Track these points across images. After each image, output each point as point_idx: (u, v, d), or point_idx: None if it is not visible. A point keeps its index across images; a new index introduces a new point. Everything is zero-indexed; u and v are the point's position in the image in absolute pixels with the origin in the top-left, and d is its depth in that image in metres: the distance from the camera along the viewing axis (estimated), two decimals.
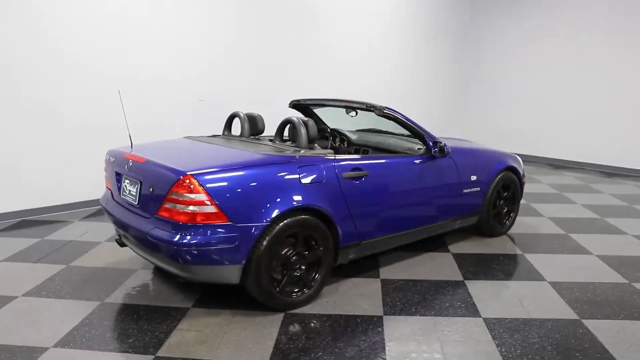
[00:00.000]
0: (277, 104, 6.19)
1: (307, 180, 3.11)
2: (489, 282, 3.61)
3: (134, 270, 3.70)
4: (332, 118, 4.85)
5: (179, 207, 2.77)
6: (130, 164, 3.20)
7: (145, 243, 2.95)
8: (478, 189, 4.33)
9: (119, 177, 3.35)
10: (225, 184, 2.83)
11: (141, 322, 2.94)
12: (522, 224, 5.07)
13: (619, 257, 4.13)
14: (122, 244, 3.40)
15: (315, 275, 3.23)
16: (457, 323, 2.99)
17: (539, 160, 8.95)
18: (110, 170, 3.48)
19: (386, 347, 2.70)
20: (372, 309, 3.16)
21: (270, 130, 4.67)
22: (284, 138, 3.85)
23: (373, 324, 2.97)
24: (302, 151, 3.28)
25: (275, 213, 2.92)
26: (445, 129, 9.43)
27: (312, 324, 2.96)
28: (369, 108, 3.88)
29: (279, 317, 3.03)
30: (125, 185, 3.24)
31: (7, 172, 4.79)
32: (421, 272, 3.76)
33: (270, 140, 3.75)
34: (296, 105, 4.65)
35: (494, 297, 3.35)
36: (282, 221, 2.97)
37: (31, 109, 4.82)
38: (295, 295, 3.14)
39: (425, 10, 8.64)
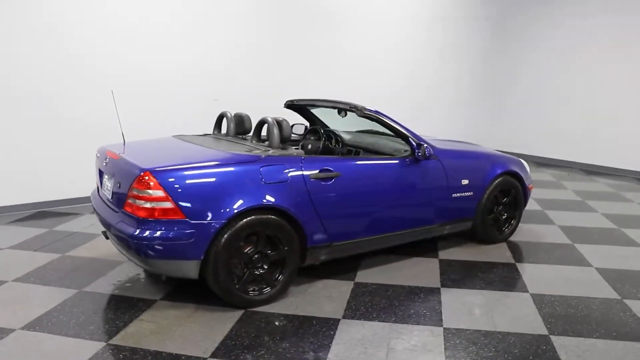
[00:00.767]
0: None
1: (270, 180, 3.13)
2: (466, 290, 3.48)
3: (120, 262, 3.88)
4: (334, 119, 4.84)
5: (139, 202, 2.88)
6: (108, 160, 3.36)
7: (116, 237, 3.10)
8: (470, 193, 4.18)
9: (101, 172, 3.53)
10: (183, 181, 2.91)
11: (107, 310, 3.09)
12: (527, 231, 4.84)
13: (620, 271, 3.85)
14: (107, 237, 3.58)
15: (279, 274, 3.26)
16: (414, 331, 2.91)
17: (571, 165, 8.46)
18: (96, 166, 3.68)
19: (330, 351, 2.68)
20: (333, 311, 3.14)
21: None
22: (262, 137, 3.90)
23: (328, 326, 2.95)
24: (270, 151, 3.31)
25: (233, 211, 2.97)
26: (470, 131, 9.14)
27: (266, 323, 2.98)
28: (351, 108, 3.85)
29: (237, 314, 3.08)
30: (105, 181, 3.41)
31: (27, 166, 5.15)
32: (399, 277, 3.69)
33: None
34: (290, 105, 4.69)
35: (464, 307, 3.23)
36: (242, 219, 3.02)
37: (50, 112, 5.15)
38: (256, 293, 3.18)
39: (451, 4, 8.40)
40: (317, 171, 3.33)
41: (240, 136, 4.09)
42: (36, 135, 5.14)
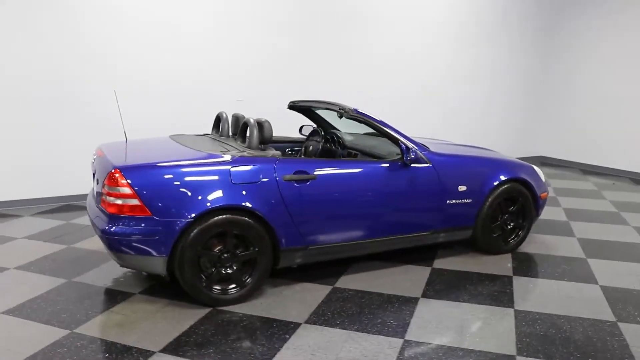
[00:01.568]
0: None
1: (239, 180, 3.15)
2: (447, 302, 3.31)
3: None
4: (342, 120, 4.79)
5: (109, 199, 3.01)
6: (96, 157, 3.54)
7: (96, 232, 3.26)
8: (469, 200, 3.97)
9: (94, 170, 3.72)
10: (150, 179, 3.00)
11: (85, 300, 3.25)
12: (540, 242, 4.52)
13: (627, 291, 3.50)
14: None
15: (249, 275, 3.27)
16: (372, 341, 2.81)
17: (620, 174, 7.78)
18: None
19: (276, 356, 2.65)
20: (298, 315, 3.11)
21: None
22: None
23: (286, 330, 2.92)
24: (245, 152, 3.34)
25: (198, 210, 3.02)
26: (511, 135, 8.68)
27: (227, 323, 3.00)
28: (340, 110, 3.79)
29: (203, 312, 3.12)
30: (94, 177, 3.60)
31: (57, 161, 5.52)
32: (381, 284, 3.58)
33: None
34: (292, 106, 4.69)
35: (437, 319, 3.07)
36: (209, 219, 3.06)
37: (82, 113, 5.50)
38: (224, 292, 3.21)
39: (499, 6, 8.03)
40: (291, 173, 3.32)
41: (235, 136, 4.15)
42: (67, 134, 5.49)
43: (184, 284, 3.11)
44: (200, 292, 3.14)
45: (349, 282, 3.63)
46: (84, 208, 5.44)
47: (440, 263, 4.02)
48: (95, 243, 4.33)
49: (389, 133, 3.77)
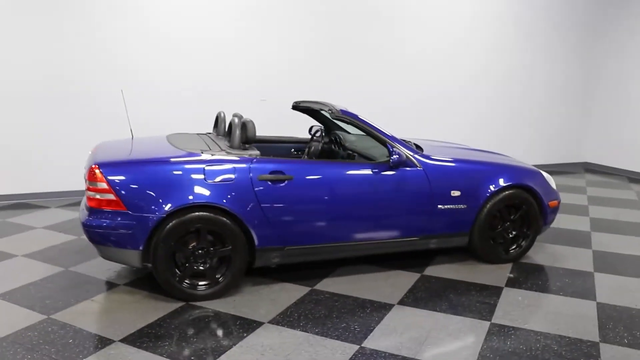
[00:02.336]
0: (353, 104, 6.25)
1: (212, 178, 3.21)
2: (421, 311, 3.19)
3: None
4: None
5: (89, 193, 3.17)
6: (89, 154, 3.74)
7: None
8: (463, 206, 3.80)
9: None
10: (127, 175, 3.13)
11: (71, 289, 3.43)
12: (549, 253, 4.25)
13: (624, 309, 3.21)
14: None
15: (223, 272, 3.32)
16: (328, 345, 2.77)
17: None
18: None
19: (227, 353, 2.68)
20: (266, 315, 3.12)
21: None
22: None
23: (246, 329, 2.94)
24: (224, 151, 3.39)
25: (171, 207, 3.11)
26: (555, 140, 8.18)
27: (194, 318, 3.07)
28: (329, 110, 3.76)
29: (175, 306, 3.21)
30: None
31: (84, 156, 5.88)
32: (361, 289, 3.51)
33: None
34: (295, 107, 4.70)
35: (403, 328, 2.97)
36: (182, 215, 3.15)
37: (105, 114, 5.83)
38: (197, 288, 3.27)
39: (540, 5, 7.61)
40: (266, 173, 3.33)
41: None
42: (97, 131, 5.83)
43: (157, 278, 3.21)
44: (173, 286, 3.23)
45: (330, 284, 3.59)
46: None
47: (432, 270, 3.88)
48: None
49: (376, 134, 3.69)
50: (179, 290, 3.25)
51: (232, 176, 3.26)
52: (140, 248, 3.15)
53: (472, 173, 3.87)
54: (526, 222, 4.03)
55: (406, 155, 3.67)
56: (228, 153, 3.38)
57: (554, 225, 5.01)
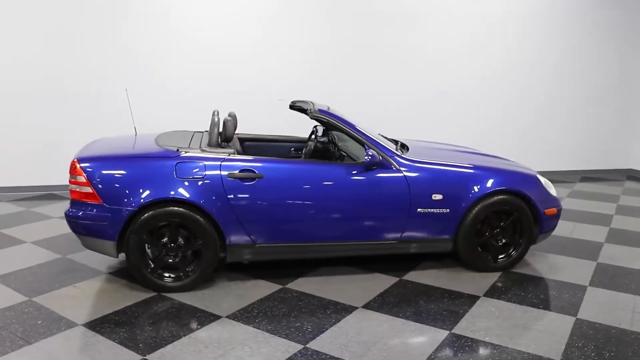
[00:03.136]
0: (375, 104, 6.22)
1: (183, 175, 3.32)
2: (383, 316, 3.13)
3: None
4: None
5: (71, 186, 3.38)
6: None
7: None
8: (445, 210, 3.67)
9: None
10: (102, 170, 3.31)
11: (60, 275, 3.67)
12: (547, 263, 4.02)
13: (605, 328, 2.96)
14: None
15: (194, 266, 3.42)
16: (273, 343, 2.79)
17: None
18: None
19: (173, 343, 2.77)
20: (227, 309, 3.18)
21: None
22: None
23: (202, 321, 3.02)
24: (199, 149, 3.49)
25: (142, 201, 3.25)
26: (598, 144, 7.66)
27: (157, 308, 3.19)
28: (308, 110, 3.76)
29: (146, 296, 3.35)
30: None
31: None
32: (331, 290, 3.49)
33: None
34: (292, 107, 4.72)
35: (355, 332, 2.93)
36: (153, 209, 3.28)
37: (127, 112, 6.16)
38: (167, 279, 3.39)
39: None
40: (236, 171, 3.39)
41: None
42: (122, 127, 6.18)
43: (130, 268, 3.37)
44: (144, 276, 3.37)
45: (303, 284, 3.59)
46: None
47: (413, 275, 3.78)
48: None
49: (353, 135, 3.66)
50: (150, 281, 3.39)
51: (203, 173, 3.35)
52: (115, 239, 3.32)
53: (456, 176, 3.72)
54: (518, 230, 3.83)
55: (382, 156, 3.60)
56: (203, 150, 3.48)
57: (564, 234, 4.72)
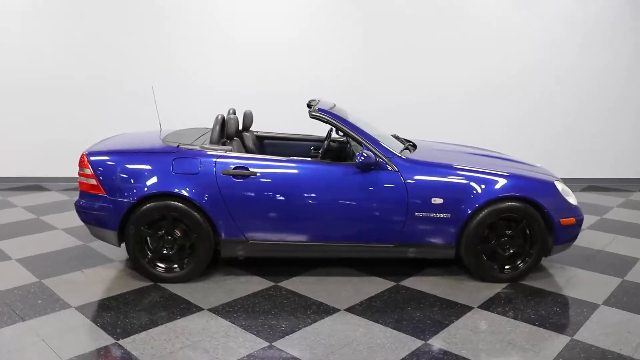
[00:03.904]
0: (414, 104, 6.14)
1: (179, 170, 3.44)
2: (364, 320, 3.05)
3: None
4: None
5: (80, 178, 3.62)
6: None
7: None
8: (446, 215, 3.50)
9: None
10: (107, 164, 3.52)
11: (74, 261, 3.92)
12: (564, 277, 3.73)
13: (602, 352, 2.68)
14: None
15: (189, 259, 3.52)
16: (241, 338, 2.81)
17: None
18: None
19: (147, 330, 2.88)
20: (211, 302, 3.26)
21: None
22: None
23: (184, 313, 3.11)
24: (194, 145, 3.59)
25: (140, 194, 3.41)
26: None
27: (148, 296, 3.33)
28: (310, 109, 3.74)
29: (143, 284, 3.50)
30: None
31: None
32: (321, 291, 3.46)
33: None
34: (308, 104, 4.72)
35: (327, 335, 2.88)
36: (150, 202, 3.43)
37: (167, 111, 6.47)
38: (163, 270, 3.52)
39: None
40: (230, 168, 3.45)
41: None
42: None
43: (129, 257, 3.55)
44: (142, 266, 3.53)
45: (295, 283, 3.59)
46: None
47: (412, 280, 3.64)
48: None
49: (352, 135, 3.60)
50: (146, 271, 3.54)
51: (198, 169, 3.45)
52: (117, 229, 3.50)
53: (460, 180, 3.53)
54: (530, 239, 3.57)
55: (380, 157, 3.50)
56: (202, 148, 3.58)
57: (597, 246, 4.35)
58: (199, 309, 3.17)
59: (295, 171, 3.52)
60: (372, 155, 3.45)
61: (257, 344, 2.76)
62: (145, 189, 3.42)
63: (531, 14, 6.51)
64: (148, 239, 3.53)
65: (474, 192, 3.50)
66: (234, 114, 4.52)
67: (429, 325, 2.99)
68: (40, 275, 3.64)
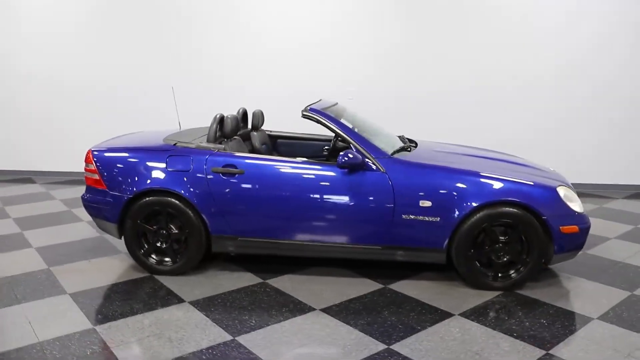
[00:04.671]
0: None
1: (173, 167, 3.58)
2: (335, 321, 3.03)
3: None
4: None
5: (86, 173, 3.86)
6: None
7: None
8: (435, 219, 3.38)
9: None
10: (108, 160, 3.74)
11: (86, 251, 4.19)
12: (567, 287, 3.50)
13: None
14: None
15: (180, 253, 3.66)
16: (206, 331, 2.89)
17: None
18: None
19: (126, 318, 3.02)
20: (196, 295, 3.37)
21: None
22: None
23: (166, 304, 3.24)
24: (190, 143, 3.72)
25: (136, 189, 3.59)
26: None
27: (139, 287, 3.50)
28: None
29: (138, 275, 3.69)
30: None
31: None
32: (304, 290, 3.47)
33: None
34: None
35: (292, 333, 2.89)
36: (145, 197, 3.60)
37: (193, 114, 6.73)
38: (157, 262, 3.68)
39: None
40: (220, 166, 3.54)
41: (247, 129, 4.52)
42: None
43: (127, 248, 3.74)
44: (137, 258, 3.71)
45: (284, 281, 3.62)
46: None
47: (401, 284, 3.56)
48: None
49: (341, 134, 3.57)
50: (142, 262, 3.71)
51: (190, 166, 3.57)
52: (116, 222, 3.70)
53: (450, 182, 3.40)
54: (526, 247, 3.37)
55: (367, 157, 3.45)
56: (198, 146, 3.70)
57: (616, 257, 4.04)
58: (180, 300, 3.29)
59: (283, 170, 3.56)
60: (359, 155, 3.41)
61: (221, 337, 2.82)
62: (141, 184, 3.59)
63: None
64: (145, 232, 3.71)
65: (466, 195, 3.36)
66: (245, 114, 4.64)
67: (398, 330, 2.91)
68: (50, 263, 3.92)
